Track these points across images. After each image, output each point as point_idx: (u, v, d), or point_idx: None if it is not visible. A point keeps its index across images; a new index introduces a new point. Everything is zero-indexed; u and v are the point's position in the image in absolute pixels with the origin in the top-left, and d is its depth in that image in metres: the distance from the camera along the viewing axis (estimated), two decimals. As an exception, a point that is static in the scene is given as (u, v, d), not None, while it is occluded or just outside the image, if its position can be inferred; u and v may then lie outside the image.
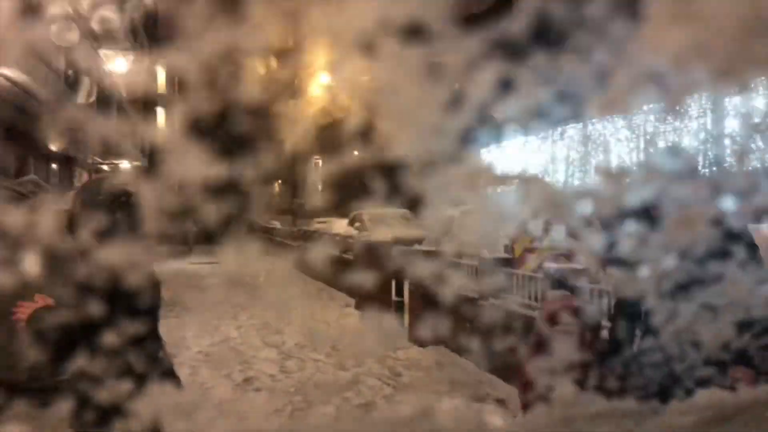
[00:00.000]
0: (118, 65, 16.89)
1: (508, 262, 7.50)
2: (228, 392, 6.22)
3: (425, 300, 7.91)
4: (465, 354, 7.04)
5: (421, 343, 7.91)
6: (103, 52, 15.96)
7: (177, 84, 23.00)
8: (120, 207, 1.91)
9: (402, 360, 7.51)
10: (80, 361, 1.61)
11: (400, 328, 8.78)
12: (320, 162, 22.22)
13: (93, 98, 14.54)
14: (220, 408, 5.22)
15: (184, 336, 8.78)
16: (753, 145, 7.22)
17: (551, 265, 6.37)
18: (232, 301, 11.60)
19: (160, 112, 23.70)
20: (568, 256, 7.74)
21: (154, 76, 22.64)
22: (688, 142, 9.53)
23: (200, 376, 6.81)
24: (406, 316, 8.86)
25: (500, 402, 5.47)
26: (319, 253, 14.58)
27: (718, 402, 0.54)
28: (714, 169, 8.72)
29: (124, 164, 17.28)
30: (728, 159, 8.56)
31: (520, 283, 6.83)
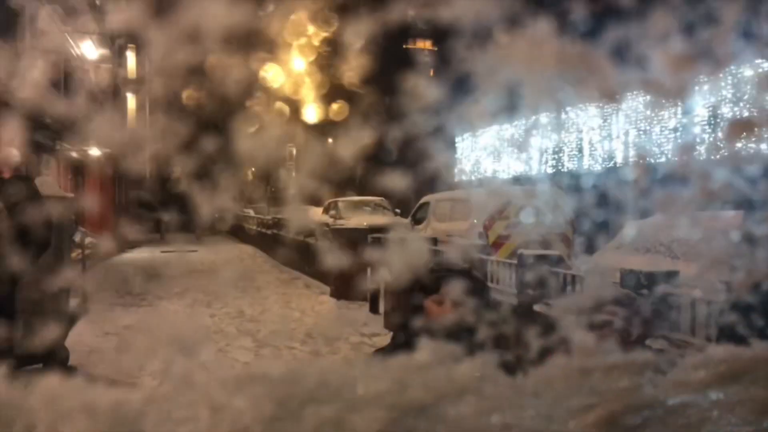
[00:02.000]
0: (86, 49, 16.45)
1: (483, 249, 7.53)
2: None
3: (400, 287, 7.90)
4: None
5: (397, 330, 7.91)
6: (70, 36, 15.53)
7: (148, 70, 22.55)
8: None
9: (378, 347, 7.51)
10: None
11: (376, 315, 8.77)
12: (294, 149, 22.04)
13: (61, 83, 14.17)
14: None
15: (158, 324, 8.65)
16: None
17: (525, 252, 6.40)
18: (205, 290, 11.46)
19: (130, 97, 23.21)
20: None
21: (123, 61, 22.13)
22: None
23: (173, 365, 6.71)
24: (382, 303, 8.85)
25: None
26: (294, 241, 14.49)
27: (732, 356, 0.53)
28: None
29: (94, 150, 16.89)
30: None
31: (494, 269, 6.85)
